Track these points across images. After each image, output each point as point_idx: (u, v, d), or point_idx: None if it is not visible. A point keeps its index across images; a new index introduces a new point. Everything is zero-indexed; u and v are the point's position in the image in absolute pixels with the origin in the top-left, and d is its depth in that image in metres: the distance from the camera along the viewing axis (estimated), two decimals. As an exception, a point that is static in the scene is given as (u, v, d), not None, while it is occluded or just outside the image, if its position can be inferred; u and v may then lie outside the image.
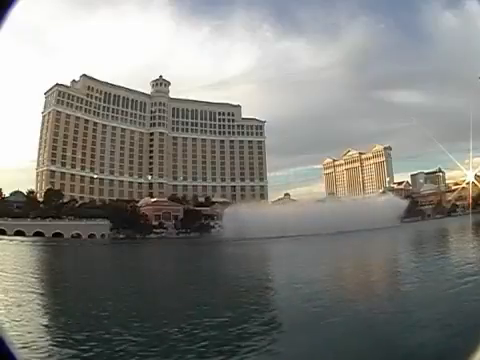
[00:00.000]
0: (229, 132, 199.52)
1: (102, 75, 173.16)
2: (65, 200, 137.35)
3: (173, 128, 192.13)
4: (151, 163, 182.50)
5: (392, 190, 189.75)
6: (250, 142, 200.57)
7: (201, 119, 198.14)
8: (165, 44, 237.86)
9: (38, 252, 70.19)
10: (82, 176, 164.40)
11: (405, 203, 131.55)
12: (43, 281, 32.61)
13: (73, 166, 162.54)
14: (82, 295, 24.58)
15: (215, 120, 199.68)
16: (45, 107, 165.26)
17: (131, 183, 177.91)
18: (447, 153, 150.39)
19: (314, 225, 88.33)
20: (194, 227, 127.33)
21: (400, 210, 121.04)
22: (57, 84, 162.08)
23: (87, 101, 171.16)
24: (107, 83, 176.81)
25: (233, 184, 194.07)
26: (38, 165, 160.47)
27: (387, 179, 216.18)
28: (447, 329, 13.46)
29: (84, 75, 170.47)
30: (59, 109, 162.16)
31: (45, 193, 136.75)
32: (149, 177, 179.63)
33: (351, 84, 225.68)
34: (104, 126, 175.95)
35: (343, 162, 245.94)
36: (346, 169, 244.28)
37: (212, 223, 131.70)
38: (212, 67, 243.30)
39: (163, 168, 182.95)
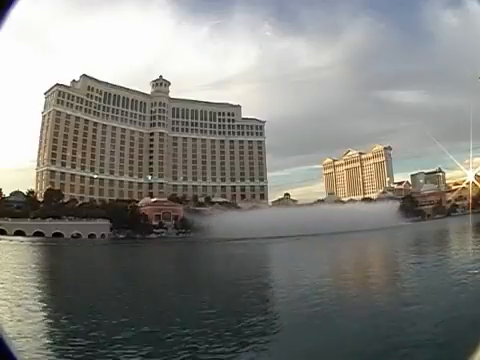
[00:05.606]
0: (229, 132, 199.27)
1: (102, 75, 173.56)
2: (65, 200, 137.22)
3: (173, 128, 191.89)
4: (151, 163, 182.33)
5: (392, 190, 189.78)
6: (250, 142, 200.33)
7: (201, 119, 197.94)
8: (165, 44, 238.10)
9: (38, 252, 70.11)
10: (82, 176, 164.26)
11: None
12: (43, 281, 32.61)
13: (73, 166, 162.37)
14: (81, 295, 24.56)
15: (215, 120, 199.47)
16: (45, 107, 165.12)
17: (131, 183, 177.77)
18: (447, 153, 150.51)
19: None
20: (194, 227, 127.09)
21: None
22: (57, 84, 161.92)
23: (87, 101, 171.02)
24: (107, 83, 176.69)
25: (233, 184, 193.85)
26: (38, 165, 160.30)
27: (387, 179, 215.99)
28: (447, 329, 13.46)
29: (84, 75, 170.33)
30: (59, 109, 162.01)
31: (45, 193, 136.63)
32: (149, 177, 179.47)
33: (351, 84, 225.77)
34: (104, 126, 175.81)
35: (343, 162, 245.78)
36: (346, 169, 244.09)
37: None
38: (212, 67, 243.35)
39: (163, 168, 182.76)
